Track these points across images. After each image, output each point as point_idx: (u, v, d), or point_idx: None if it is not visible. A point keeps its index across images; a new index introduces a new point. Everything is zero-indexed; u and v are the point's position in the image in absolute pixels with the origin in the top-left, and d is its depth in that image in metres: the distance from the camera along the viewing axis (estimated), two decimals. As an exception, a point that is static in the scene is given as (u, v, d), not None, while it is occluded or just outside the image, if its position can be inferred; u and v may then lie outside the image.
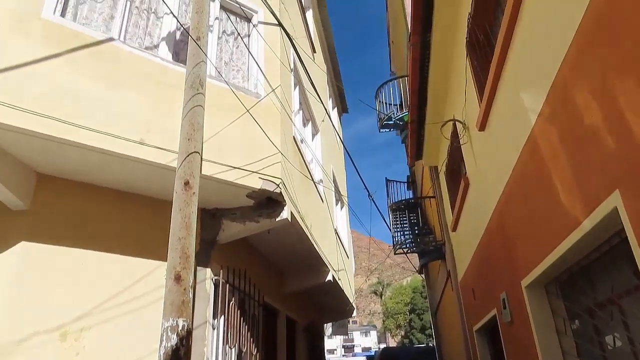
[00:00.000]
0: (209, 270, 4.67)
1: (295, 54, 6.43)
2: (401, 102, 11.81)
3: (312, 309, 9.66)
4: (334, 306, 10.15)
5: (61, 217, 4.13)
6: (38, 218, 4.02)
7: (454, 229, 7.53)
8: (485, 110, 4.46)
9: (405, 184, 14.38)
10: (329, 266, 7.28)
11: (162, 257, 4.38)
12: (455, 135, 6.29)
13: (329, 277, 7.31)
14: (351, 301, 10.26)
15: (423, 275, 14.76)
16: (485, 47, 4.66)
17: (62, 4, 4.32)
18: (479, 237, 5.52)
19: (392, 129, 12.21)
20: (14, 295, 3.72)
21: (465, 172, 6.06)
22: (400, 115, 10.80)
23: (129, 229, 4.43)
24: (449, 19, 5.47)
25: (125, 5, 4.77)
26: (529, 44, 3.18)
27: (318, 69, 9.92)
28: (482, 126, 4.69)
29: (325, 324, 12.66)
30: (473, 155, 5.51)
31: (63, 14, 4.31)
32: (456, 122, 6.09)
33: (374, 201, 9.53)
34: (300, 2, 8.38)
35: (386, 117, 11.02)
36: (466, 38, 4.99)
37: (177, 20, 4.09)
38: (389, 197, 12.09)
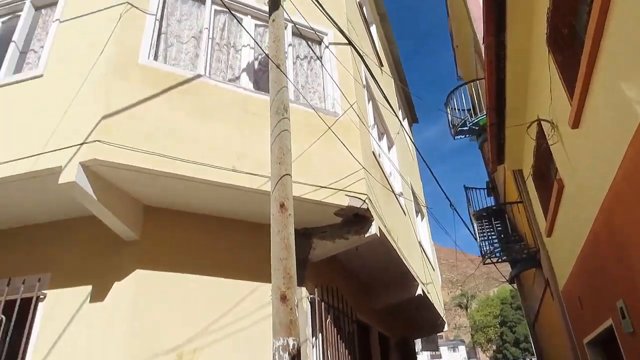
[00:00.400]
0: (304, 289, 4.77)
1: (366, 70, 6.49)
2: (472, 106, 11.45)
3: (402, 325, 9.47)
4: (424, 321, 9.88)
5: (168, 244, 4.45)
6: (148, 247, 4.36)
7: (549, 234, 7.07)
8: (578, 107, 4.19)
9: (485, 191, 13.79)
10: (417, 280, 7.12)
11: (259, 277, 4.56)
12: (541, 135, 5.96)
13: (419, 291, 7.15)
14: (441, 315, 9.93)
15: (514, 286, 13.93)
16: (571, 40, 4.41)
17: (154, 48, 4.72)
18: (582, 241, 5.14)
19: (466, 135, 11.84)
20: (132, 319, 4.03)
21: (558, 174, 5.70)
22: (476, 120, 10.44)
23: (228, 253, 4.66)
24: (524, 17, 5.26)
25: (208, 43, 5.10)
26: (628, 29, 2.96)
27: (387, 81, 9.91)
28: (575, 123, 4.41)
29: (415, 340, 12.34)
30: (566, 155, 5.18)
31: (156, 58, 4.70)
32: (542, 122, 5.78)
33: (456, 210, 9.23)
34: (365, 18, 8.48)
35: (460, 123, 10.71)
36: (546, 33, 4.76)
37: (262, 50, 4.32)
38: (471, 205, 11.66)
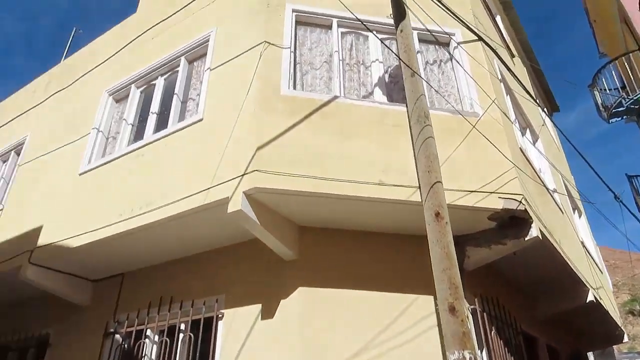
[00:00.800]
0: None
1: (499, 64, 6.12)
2: (626, 84, 10.03)
3: (573, 336, 8.51)
4: (598, 331, 8.74)
5: (325, 262, 4.64)
6: (307, 265, 4.60)
7: None
8: None
9: (654, 177, 11.88)
10: (587, 284, 6.36)
11: (416, 289, 4.50)
12: None
13: (590, 297, 6.36)
14: (619, 323, 8.69)
15: None
16: None
17: (292, 79, 5.04)
18: None
19: (623, 117, 10.41)
20: (300, 334, 4.26)
21: None
22: (635, 98, 9.12)
23: (383, 266, 4.69)
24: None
25: (339, 65, 5.29)
26: None
27: (520, 72, 9.22)
28: None
29: (588, 353, 10.98)
30: None
31: (294, 87, 5.02)
32: None
33: (623, 203, 8.08)
34: (489, 10, 8.03)
35: (615, 104, 9.45)
36: None
37: (399, 58, 4.33)
38: (639, 195, 10.12)
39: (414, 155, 4.29)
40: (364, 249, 4.81)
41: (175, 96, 5.87)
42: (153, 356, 5.20)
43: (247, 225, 4.29)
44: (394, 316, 4.38)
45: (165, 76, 6.35)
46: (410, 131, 4.46)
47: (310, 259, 4.65)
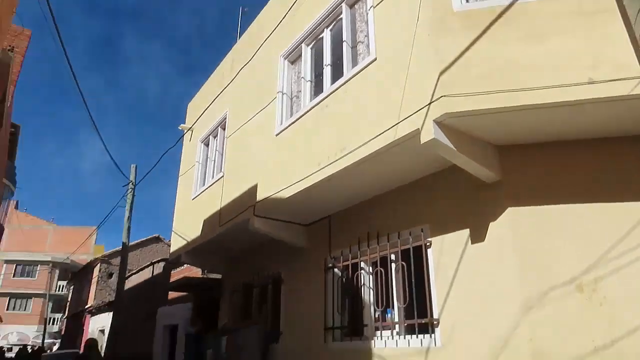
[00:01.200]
0: None
1: None
2: None
3: None
4: None
5: (532, 178, 4.36)
6: (513, 185, 4.38)
7: None
8: None
9: None
10: None
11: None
12: None
13: None
14: None
15: None
16: None
17: (465, -9, 4.65)
18: None
19: None
20: (520, 253, 4.14)
21: None
22: None
23: (602, 175, 4.19)
24: None
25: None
26: None
27: None
28: None
29: None
30: None
31: (467, 0, 4.63)
32: None
33: None
34: None
35: None
36: None
37: None
38: None
39: (632, 40, 3.63)
40: (575, 159, 4.34)
41: (344, 44, 6.01)
42: (371, 285, 5.71)
43: (443, 153, 4.26)
44: (626, 228, 3.91)
45: (330, 27, 6.53)
46: (623, 11, 3.77)
47: (515, 178, 4.41)
